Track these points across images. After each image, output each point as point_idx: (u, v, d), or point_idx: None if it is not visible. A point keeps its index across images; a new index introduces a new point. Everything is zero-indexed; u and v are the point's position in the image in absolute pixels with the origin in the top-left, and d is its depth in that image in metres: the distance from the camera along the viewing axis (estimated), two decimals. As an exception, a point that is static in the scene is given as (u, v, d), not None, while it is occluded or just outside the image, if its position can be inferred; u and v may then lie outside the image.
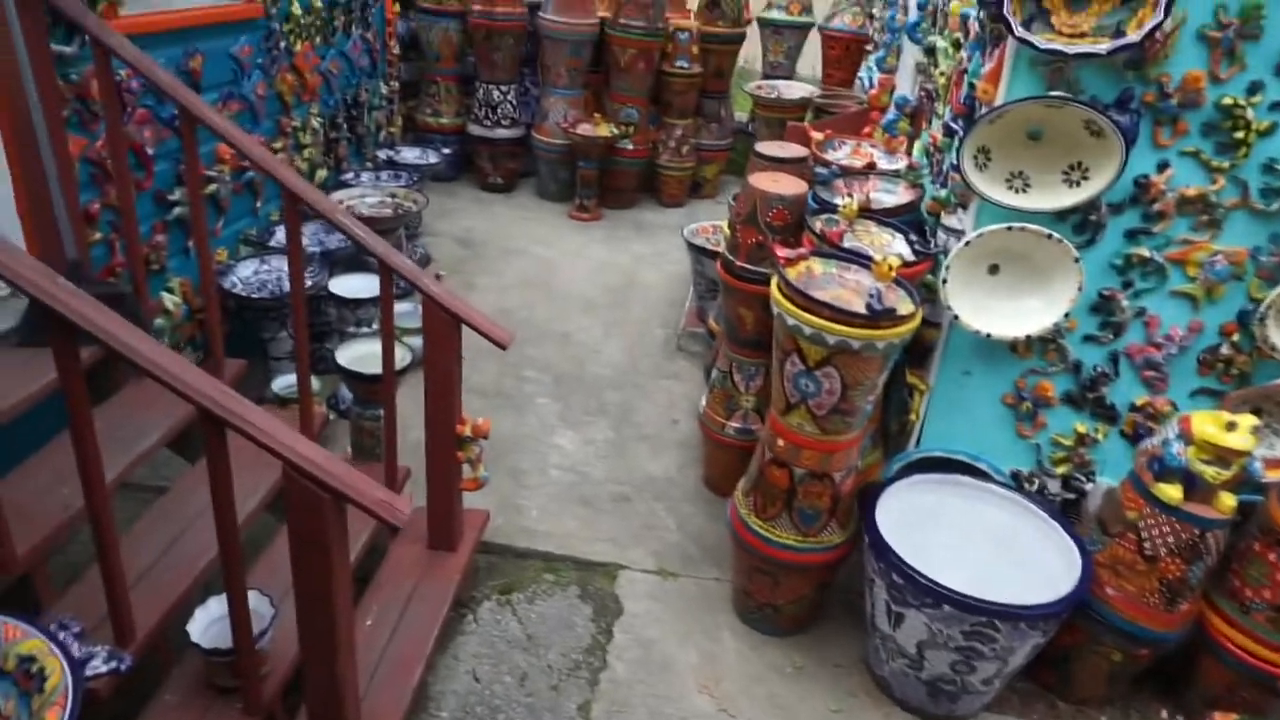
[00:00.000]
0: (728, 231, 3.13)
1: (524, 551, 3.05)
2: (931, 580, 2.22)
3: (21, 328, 2.47)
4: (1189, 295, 2.41)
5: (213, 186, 3.38)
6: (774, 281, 2.40)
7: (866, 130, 3.98)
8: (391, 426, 2.72)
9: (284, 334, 3.45)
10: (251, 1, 3.56)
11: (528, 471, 3.45)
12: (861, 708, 2.56)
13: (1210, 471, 2.11)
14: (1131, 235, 2.37)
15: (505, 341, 2.50)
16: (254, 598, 2.08)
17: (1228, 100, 2.19)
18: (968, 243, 2.36)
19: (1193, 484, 2.15)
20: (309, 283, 3.26)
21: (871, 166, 3.14)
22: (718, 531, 3.18)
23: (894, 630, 2.39)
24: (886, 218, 2.77)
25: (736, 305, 3.05)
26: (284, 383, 3.41)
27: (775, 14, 7.16)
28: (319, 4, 4.15)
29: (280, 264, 3.47)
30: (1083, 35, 2.16)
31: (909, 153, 3.37)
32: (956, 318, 2.44)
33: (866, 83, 5.20)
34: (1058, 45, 2.13)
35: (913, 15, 3.66)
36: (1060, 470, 2.66)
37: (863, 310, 2.21)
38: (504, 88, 6.08)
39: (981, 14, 2.45)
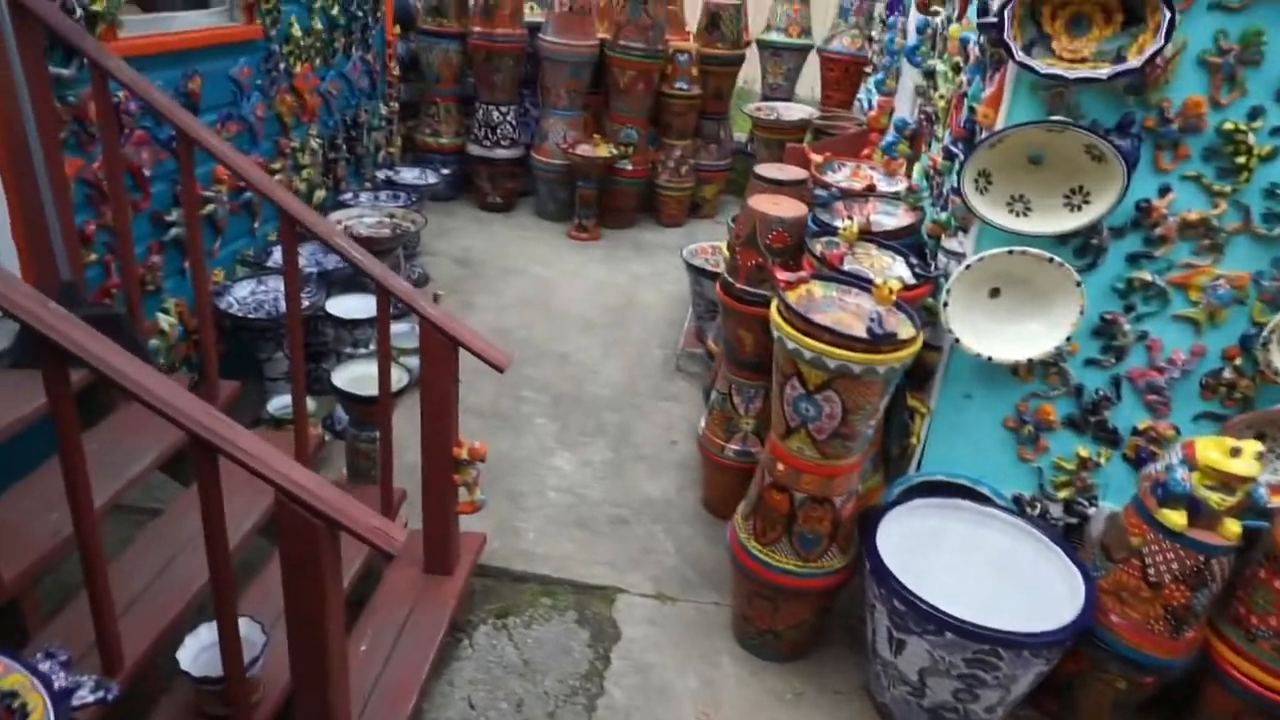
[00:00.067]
0: (727, 253, 3.12)
1: (521, 575, 3.02)
2: (934, 607, 2.19)
3: (14, 349, 2.46)
4: (1191, 319, 2.39)
5: (210, 207, 3.38)
6: (774, 305, 2.38)
7: (866, 152, 3.98)
8: (387, 449, 2.69)
9: (280, 354, 3.43)
10: (251, 23, 3.57)
11: (525, 493, 3.42)
12: (863, 736, 2.53)
13: (1215, 497, 2.09)
14: (1133, 259, 2.36)
15: (503, 364, 2.48)
16: (245, 624, 2.05)
17: (1229, 125, 2.19)
18: (969, 266, 2.35)
19: (1197, 510, 2.12)
20: (306, 303, 3.25)
21: (871, 189, 3.14)
22: (717, 555, 3.14)
23: (895, 657, 2.35)
24: (887, 240, 2.76)
25: (736, 327, 3.03)
26: (279, 404, 3.40)
27: (774, 36, 7.20)
28: (319, 26, 4.16)
29: (277, 284, 3.46)
30: (1083, 60, 2.15)
31: (909, 175, 3.37)
32: (958, 341, 2.42)
33: (865, 104, 5.22)
34: (1058, 70, 2.13)
35: (911, 39, 3.67)
36: (1062, 494, 2.63)
37: (864, 334, 2.20)
38: (503, 108, 6.10)
39: (981, 39, 2.45)
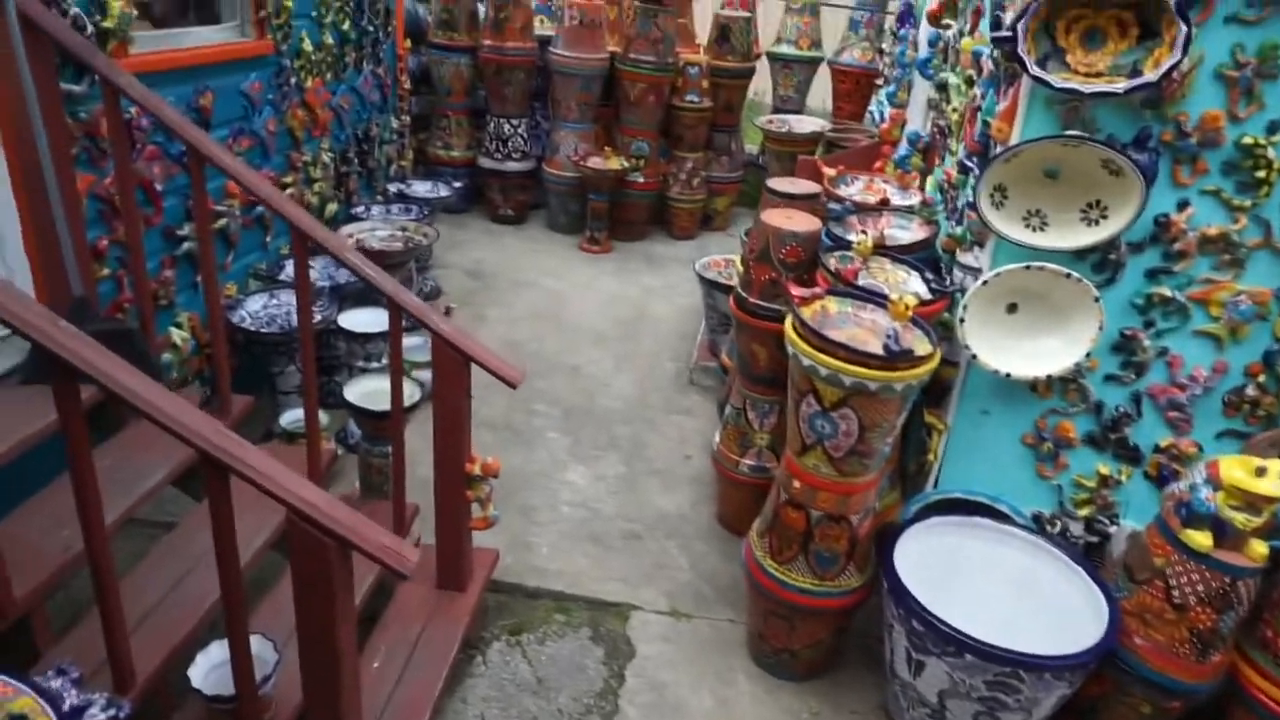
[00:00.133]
0: (740, 268, 3.10)
1: (534, 591, 3.00)
2: (953, 627, 2.16)
3: (26, 366, 2.45)
4: (1213, 335, 2.36)
5: (222, 221, 3.38)
6: (788, 321, 2.36)
7: (878, 165, 3.97)
8: (400, 465, 2.68)
9: (292, 368, 3.43)
10: (262, 39, 3.59)
11: (538, 508, 3.40)
12: (880, 758, 2.49)
13: (1240, 518, 2.05)
14: (1152, 274, 2.33)
15: (516, 380, 2.47)
16: (257, 642, 2.03)
17: (1248, 139, 2.16)
18: (985, 282, 2.32)
19: (1222, 531, 2.08)
20: (318, 317, 3.25)
21: (885, 202, 3.12)
22: (732, 571, 3.12)
23: (914, 678, 2.32)
24: (902, 255, 2.74)
25: (750, 342, 3.01)
26: (292, 418, 3.39)
27: (785, 49, 7.21)
28: (330, 41, 4.18)
29: (289, 298, 3.45)
30: (1099, 74, 2.13)
31: (922, 188, 3.34)
32: (975, 357, 2.39)
33: (877, 117, 5.20)
34: (1074, 84, 2.11)
35: (923, 51, 3.65)
36: (1083, 512, 2.60)
37: (880, 351, 2.17)
38: (515, 121, 6.11)
39: (995, 52, 2.43)
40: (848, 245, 2.73)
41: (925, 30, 3.64)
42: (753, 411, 3.13)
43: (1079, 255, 2.31)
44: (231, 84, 3.40)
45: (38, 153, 2.36)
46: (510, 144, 6.12)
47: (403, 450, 2.67)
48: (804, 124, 6.31)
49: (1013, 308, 2.41)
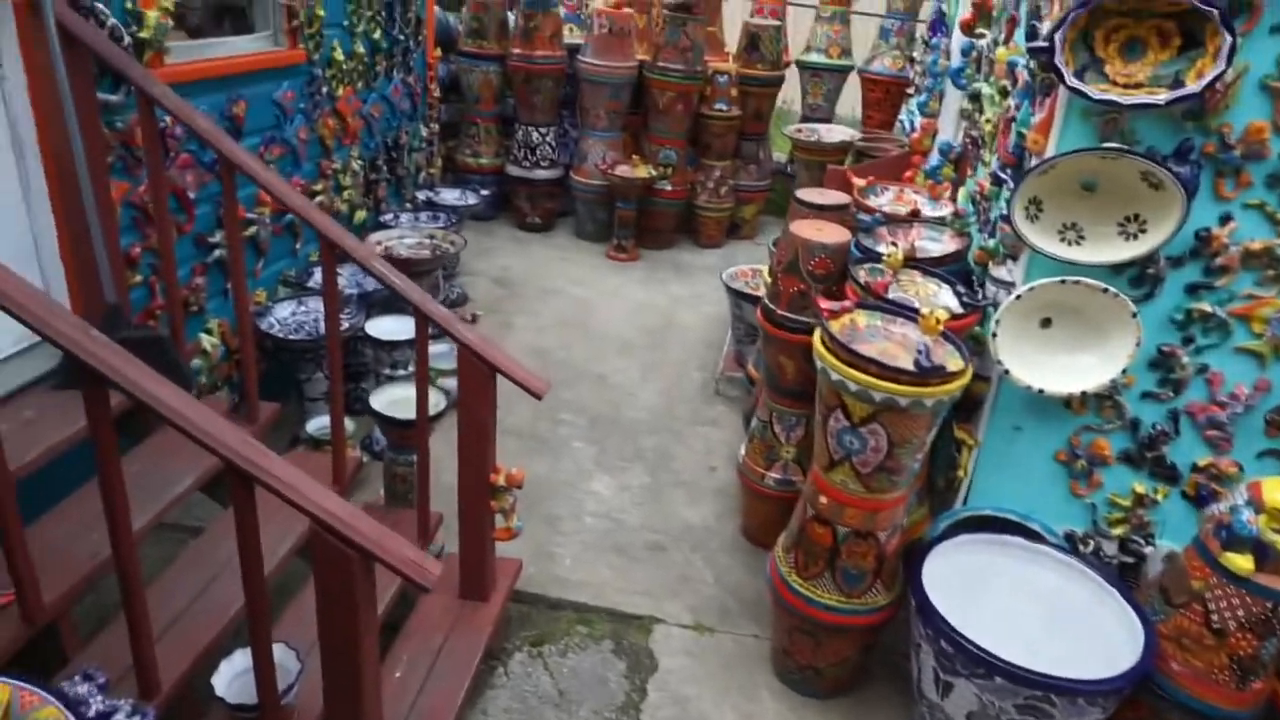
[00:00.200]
0: (768, 279, 3.07)
1: (557, 602, 2.98)
2: (983, 649, 2.11)
3: (60, 371, 2.48)
4: (1255, 352, 2.30)
5: (253, 229, 3.41)
6: (817, 334, 2.33)
7: (908, 174, 3.92)
8: (424, 474, 2.68)
9: (320, 375, 3.44)
10: (295, 48, 3.62)
11: (562, 517, 3.39)
12: (906, 780, 2.45)
13: (1283, 541, 1.99)
14: (1193, 289, 2.27)
15: (541, 391, 2.46)
16: (280, 651, 2.03)
17: (1294, 151, 2.10)
18: (1019, 296, 2.28)
19: (1264, 554, 2.02)
20: (345, 324, 3.26)
21: (916, 214, 3.08)
22: (756, 585, 3.08)
23: (942, 700, 2.27)
24: (932, 267, 2.70)
25: (777, 354, 2.98)
26: (318, 424, 3.40)
27: (814, 57, 7.17)
28: (361, 50, 4.21)
29: (318, 305, 3.47)
30: (1138, 85, 2.09)
31: (954, 199, 3.30)
32: (1007, 372, 2.35)
33: (908, 126, 5.15)
34: (1113, 96, 2.06)
35: (956, 61, 3.61)
36: (1117, 532, 2.54)
37: (910, 366, 2.14)
38: (543, 129, 6.13)
39: (1030, 63, 2.39)
40: (878, 257, 2.70)
41: (958, 39, 3.60)
42: (779, 424, 3.09)
43: (1116, 270, 2.26)
44: (264, 93, 3.43)
45: (74, 162, 2.39)
46: (538, 152, 6.14)
47: (427, 460, 2.67)
48: (833, 133, 6.26)
49: (1046, 322, 2.37)
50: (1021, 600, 2.45)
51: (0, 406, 2.38)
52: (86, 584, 2.12)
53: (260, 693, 1.87)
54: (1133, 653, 2.17)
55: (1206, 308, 2.27)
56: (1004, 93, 2.77)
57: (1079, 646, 2.29)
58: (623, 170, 5.81)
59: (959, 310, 2.51)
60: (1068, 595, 2.42)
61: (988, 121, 2.92)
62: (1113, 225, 2.23)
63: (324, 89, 3.87)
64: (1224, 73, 1.98)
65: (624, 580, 3.10)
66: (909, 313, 2.38)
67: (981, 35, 3.21)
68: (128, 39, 2.63)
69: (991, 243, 2.62)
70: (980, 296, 2.65)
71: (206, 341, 3.11)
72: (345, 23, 4.04)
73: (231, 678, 2.08)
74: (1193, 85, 2.01)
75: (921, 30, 6.34)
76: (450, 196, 5.39)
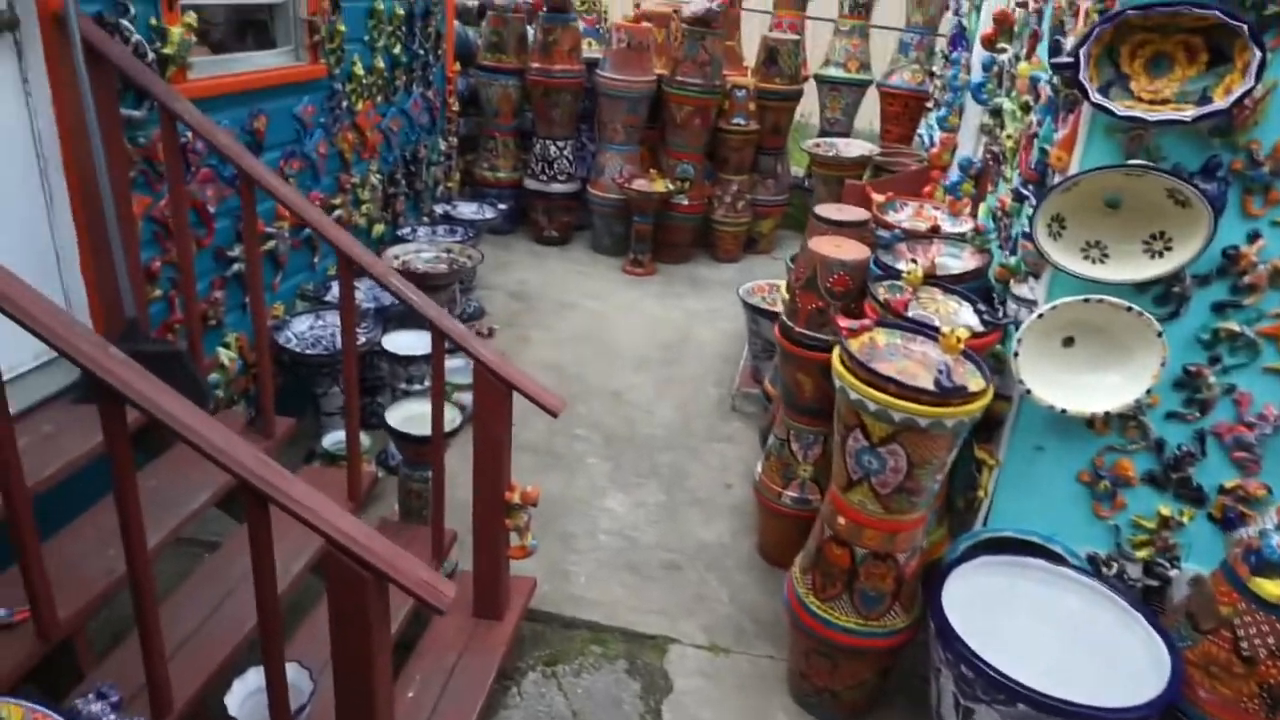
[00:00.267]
0: (786, 295, 3.05)
1: (571, 621, 2.96)
2: (1005, 674, 2.07)
3: (79, 385, 2.49)
4: (1283, 373, 2.25)
5: (271, 243, 3.42)
6: (836, 353, 2.31)
7: (927, 190, 3.90)
8: (439, 492, 2.67)
9: (336, 389, 3.45)
10: (315, 63, 3.64)
11: (576, 535, 3.37)
12: (926, 806, 2.40)
13: (1314, 567, 1.95)
14: (1219, 308, 2.23)
15: (557, 409, 2.45)
16: (293, 671, 2.02)
17: (1324, 169, 2.07)
18: (1041, 315, 2.25)
19: (1295, 580, 1.98)
20: (362, 339, 3.26)
21: (935, 230, 3.05)
22: (772, 605, 3.05)
23: (962, 726, 2.23)
24: (953, 285, 2.67)
25: (795, 371, 2.96)
26: (334, 439, 3.40)
27: (833, 71, 7.16)
28: (381, 64, 4.23)
29: (335, 319, 3.48)
30: (1165, 102, 2.06)
31: (974, 215, 3.27)
32: (1029, 392, 2.31)
33: (927, 140, 5.13)
34: (1138, 112, 2.04)
35: (976, 75, 3.58)
36: (1141, 554, 2.49)
37: (930, 386, 2.11)
38: (560, 143, 6.14)
39: (1054, 78, 2.36)
40: (897, 274, 2.67)
41: (979, 53, 3.58)
42: (796, 442, 3.07)
43: (1141, 288, 2.22)
44: (284, 107, 3.46)
45: (96, 176, 2.41)
46: (556, 166, 6.15)
47: (442, 476, 2.66)
48: (851, 147, 6.24)
49: (1069, 341, 2.33)
50: (1043, 624, 2.41)
51: (20, 420, 2.39)
52: (102, 600, 2.12)
53: (273, 713, 1.86)
54: (1159, 680, 2.12)
55: (1234, 327, 2.23)
56: (1026, 108, 2.74)
57: (1102, 673, 2.24)
58: (640, 184, 5.81)
59: (980, 328, 2.48)
60: (1090, 619, 2.38)
61: (1009, 137, 2.89)
62: (1137, 243, 2.20)
63: (344, 103, 3.89)
64: (1253, 89, 1.94)
65: (638, 599, 3.08)
66: (929, 331, 2.35)
67: (1003, 50, 3.18)
68: (151, 55, 2.65)
69: (1013, 260, 2.59)
70: (1001, 314, 2.61)
71: (224, 355, 3.12)
72: (366, 38, 4.07)
73: (244, 697, 2.07)
74: (1220, 101, 1.98)
75: (941, 44, 6.33)
76: (468, 210, 5.40)
